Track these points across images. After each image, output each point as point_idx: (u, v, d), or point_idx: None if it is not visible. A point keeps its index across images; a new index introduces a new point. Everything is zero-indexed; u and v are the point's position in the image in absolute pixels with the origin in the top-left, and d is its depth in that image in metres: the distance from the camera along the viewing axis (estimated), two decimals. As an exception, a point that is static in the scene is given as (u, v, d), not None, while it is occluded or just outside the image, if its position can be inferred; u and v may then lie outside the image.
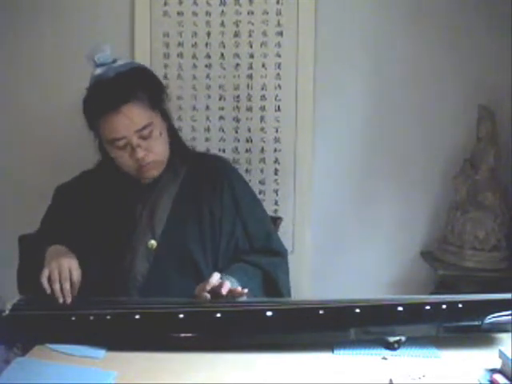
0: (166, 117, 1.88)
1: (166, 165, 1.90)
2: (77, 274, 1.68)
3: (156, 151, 1.82)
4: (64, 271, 1.66)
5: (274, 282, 1.89)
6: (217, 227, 1.90)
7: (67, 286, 1.65)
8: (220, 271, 1.79)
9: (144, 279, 1.83)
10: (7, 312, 1.63)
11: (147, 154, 1.80)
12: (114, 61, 1.84)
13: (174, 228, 1.88)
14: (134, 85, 1.79)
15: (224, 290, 1.65)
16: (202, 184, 1.93)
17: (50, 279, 1.65)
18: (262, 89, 2.58)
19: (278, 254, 1.98)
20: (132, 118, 1.75)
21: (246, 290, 1.68)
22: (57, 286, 1.64)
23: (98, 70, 1.82)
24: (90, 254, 1.79)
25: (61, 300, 1.64)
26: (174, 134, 1.94)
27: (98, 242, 1.84)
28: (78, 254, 1.77)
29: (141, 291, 1.82)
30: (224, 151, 2.58)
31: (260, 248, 1.94)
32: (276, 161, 2.61)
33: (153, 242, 1.86)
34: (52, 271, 1.66)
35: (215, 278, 1.69)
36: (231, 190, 1.94)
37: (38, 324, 1.61)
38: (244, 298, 1.68)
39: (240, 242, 1.93)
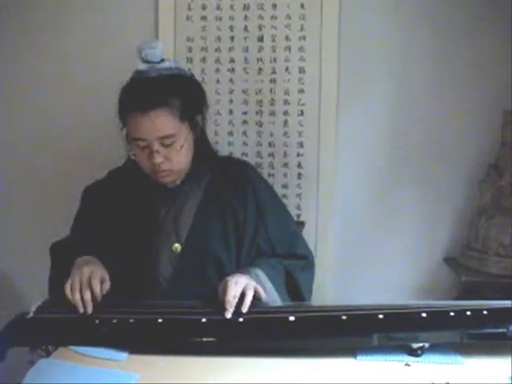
0: (195, 127, 1.87)
1: (191, 170, 1.91)
2: (97, 283, 1.67)
3: (174, 161, 1.81)
4: (84, 281, 1.66)
5: (295, 281, 1.88)
6: (240, 231, 1.90)
7: (87, 295, 1.64)
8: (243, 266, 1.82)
9: (167, 283, 1.84)
10: (31, 314, 1.65)
11: (164, 161, 1.79)
12: (162, 60, 1.84)
13: (199, 232, 1.88)
14: (170, 91, 1.79)
15: (244, 309, 1.62)
16: (226, 189, 1.93)
17: (71, 289, 1.66)
18: (285, 93, 2.58)
19: (301, 257, 1.97)
20: (157, 125, 1.76)
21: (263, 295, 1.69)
22: (77, 296, 1.64)
23: (142, 66, 1.83)
24: (115, 257, 1.80)
25: (81, 310, 1.64)
26: (203, 143, 1.93)
27: (122, 244, 1.84)
28: (104, 256, 1.78)
29: (164, 295, 1.82)
30: (247, 155, 2.58)
31: (282, 254, 1.93)
32: (299, 165, 2.60)
33: (177, 246, 1.86)
34: (73, 281, 1.67)
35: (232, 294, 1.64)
36: (255, 195, 1.94)
37: (62, 326, 1.63)
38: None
39: (263, 247, 1.92)
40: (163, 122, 1.76)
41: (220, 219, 1.90)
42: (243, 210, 1.91)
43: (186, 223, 1.88)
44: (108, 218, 1.90)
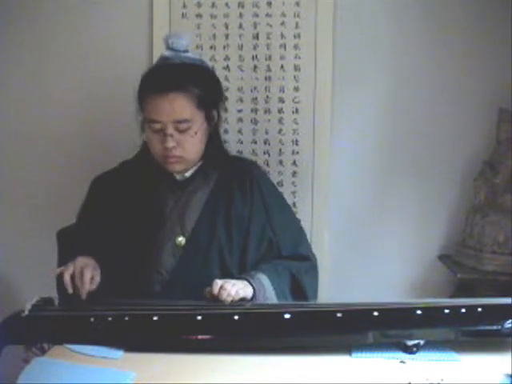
0: (210, 121, 1.91)
1: (201, 165, 1.94)
2: (88, 275, 1.71)
3: (186, 148, 1.84)
4: (77, 268, 1.71)
5: (300, 286, 1.90)
6: (245, 230, 1.92)
7: (79, 283, 1.70)
8: (249, 270, 1.84)
9: (169, 275, 1.85)
10: (26, 312, 1.65)
11: (176, 147, 1.83)
12: (186, 51, 1.92)
13: (204, 227, 1.90)
14: (190, 78, 1.85)
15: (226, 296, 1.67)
16: (233, 187, 1.95)
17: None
18: (280, 91, 2.57)
19: (306, 259, 1.99)
20: (174, 107, 1.81)
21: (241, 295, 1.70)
22: (66, 278, 1.69)
23: (167, 53, 1.90)
24: (118, 247, 1.83)
25: (70, 290, 1.68)
26: (216, 140, 1.97)
27: (127, 234, 1.87)
28: (107, 247, 1.81)
29: (165, 286, 1.84)
30: (242, 153, 2.58)
31: (288, 255, 1.95)
32: (294, 163, 2.60)
33: (181, 239, 1.88)
34: (67, 267, 1.72)
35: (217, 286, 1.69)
36: (261, 196, 1.96)
37: (57, 324, 1.63)
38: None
39: (269, 247, 1.94)
40: (180, 106, 1.81)
41: (225, 216, 1.92)
42: (248, 211, 1.93)
43: (192, 217, 1.90)
44: (114, 208, 1.91)
